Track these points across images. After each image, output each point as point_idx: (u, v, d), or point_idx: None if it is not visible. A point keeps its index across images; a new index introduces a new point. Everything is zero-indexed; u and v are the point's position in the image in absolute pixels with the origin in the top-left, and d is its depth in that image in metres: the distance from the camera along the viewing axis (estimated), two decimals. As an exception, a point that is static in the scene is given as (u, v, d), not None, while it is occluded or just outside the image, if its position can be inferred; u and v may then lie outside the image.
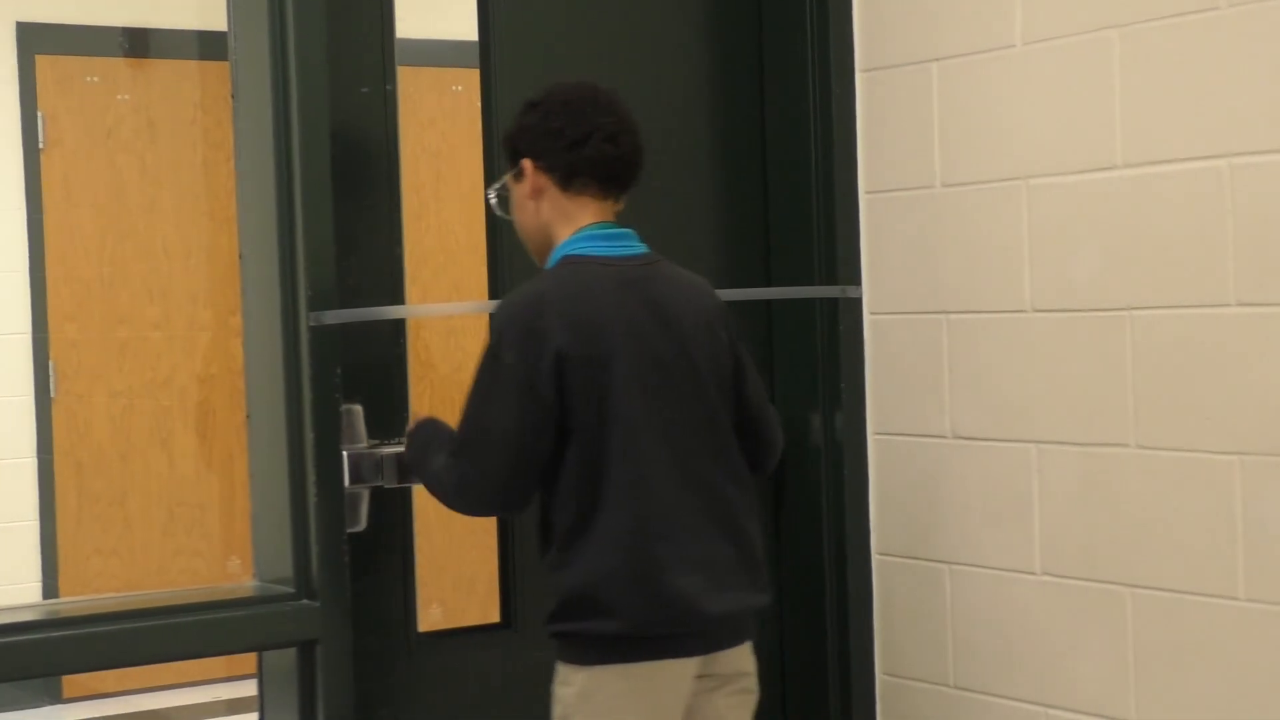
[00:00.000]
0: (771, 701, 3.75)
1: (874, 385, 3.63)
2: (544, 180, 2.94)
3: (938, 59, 3.47)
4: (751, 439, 3.04)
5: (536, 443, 2.82)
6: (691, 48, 3.72)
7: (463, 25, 3.57)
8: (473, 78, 3.56)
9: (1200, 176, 3.02)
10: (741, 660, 3.01)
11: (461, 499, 2.94)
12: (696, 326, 2.94)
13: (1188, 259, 3.05)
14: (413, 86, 3.51)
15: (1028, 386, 3.33)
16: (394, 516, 3.29)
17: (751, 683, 3.04)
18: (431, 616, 3.85)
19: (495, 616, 3.57)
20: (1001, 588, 3.39)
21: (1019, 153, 3.32)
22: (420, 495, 3.31)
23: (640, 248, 2.97)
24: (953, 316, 3.46)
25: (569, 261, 2.91)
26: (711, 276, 3.64)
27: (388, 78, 3.29)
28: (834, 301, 3.63)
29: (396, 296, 3.29)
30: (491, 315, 2.92)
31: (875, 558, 3.64)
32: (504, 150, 3.02)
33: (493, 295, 3.47)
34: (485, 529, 3.63)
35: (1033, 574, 3.34)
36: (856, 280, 3.62)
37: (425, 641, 3.41)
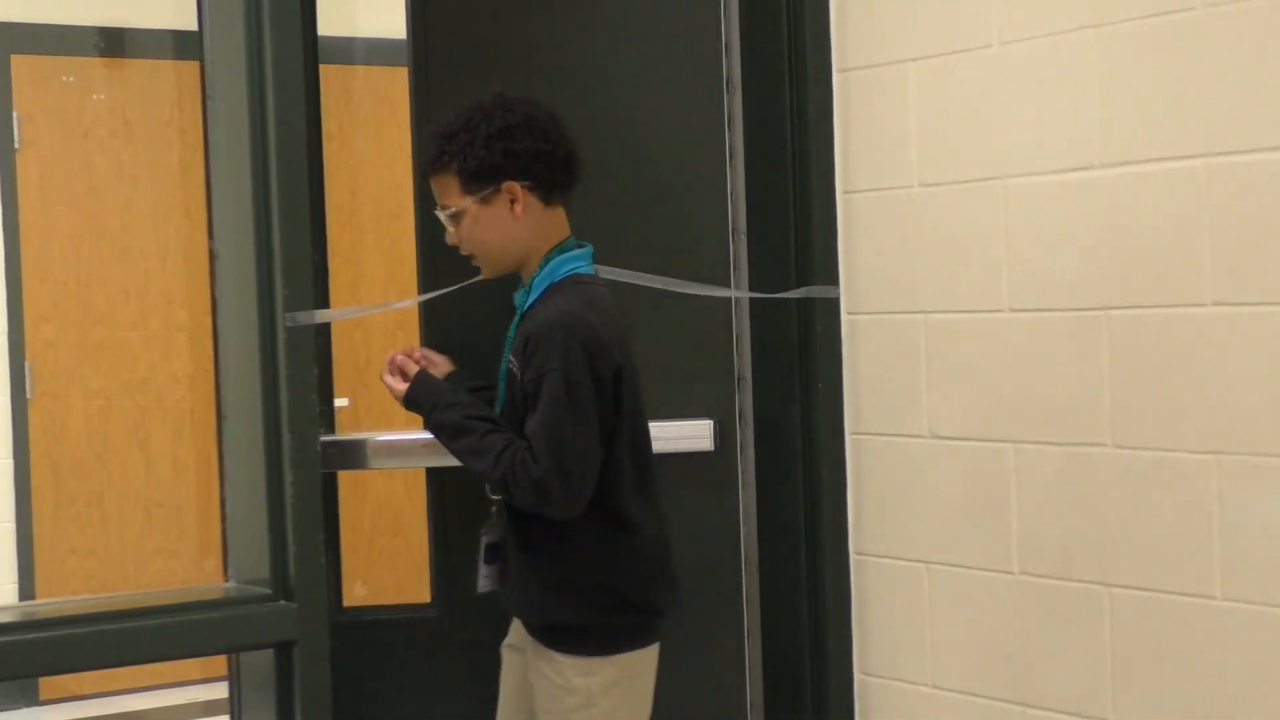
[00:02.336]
0: (750, 701, 3.76)
1: (851, 385, 3.63)
2: (530, 199, 3.00)
3: (915, 59, 3.47)
4: None
5: (601, 452, 2.95)
6: (664, 49, 3.72)
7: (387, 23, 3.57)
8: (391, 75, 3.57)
9: (1177, 176, 3.03)
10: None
11: (553, 509, 2.95)
12: None
13: (1164, 259, 3.05)
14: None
15: (1005, 386, 3.33)
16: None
17: None
18: (356, 594, 3.95)
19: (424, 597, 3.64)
20: (979, 587, 3.39)
21: (996, 153, 3.33)
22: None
23: None
24: (930, 316, 3.47)
25: (580, 280, 3.02)
26: (689, 277, 3.65)
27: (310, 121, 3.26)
28: (811, 302, 3.63)
29: (321, 301, 3.31)
30: (544, 338, 2.91)
31: (853, 557, 3.64)
32: (471, 174, 2.99)
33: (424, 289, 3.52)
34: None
35: (1010, 573, 3.34)
36: (834, 280, 3.62)
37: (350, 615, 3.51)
